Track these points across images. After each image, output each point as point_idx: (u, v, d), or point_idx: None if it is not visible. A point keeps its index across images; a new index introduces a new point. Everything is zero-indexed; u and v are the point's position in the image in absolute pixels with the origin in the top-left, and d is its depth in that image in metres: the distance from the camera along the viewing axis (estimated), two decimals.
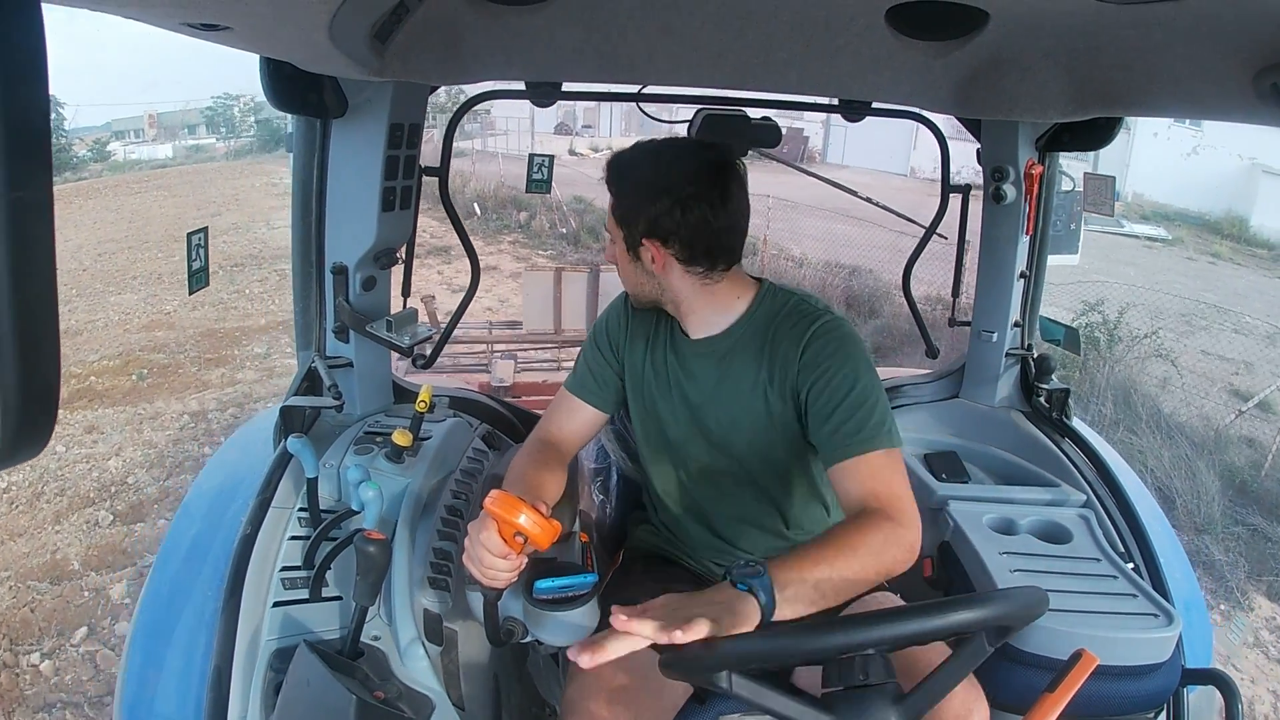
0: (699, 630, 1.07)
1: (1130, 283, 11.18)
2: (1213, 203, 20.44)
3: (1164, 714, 1.66)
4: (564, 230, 15.70)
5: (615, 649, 1.09)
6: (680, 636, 1.06)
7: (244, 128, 41.02)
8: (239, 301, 11.64)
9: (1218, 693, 1.63)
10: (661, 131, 1.92)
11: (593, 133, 32.53)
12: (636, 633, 1.09)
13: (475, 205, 15.74)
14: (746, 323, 1.62)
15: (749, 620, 1.14)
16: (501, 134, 25.65)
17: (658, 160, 1.56)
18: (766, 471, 1.67)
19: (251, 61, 1.53)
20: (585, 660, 1.09)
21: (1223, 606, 5.07)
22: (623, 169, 1.59)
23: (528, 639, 1.45)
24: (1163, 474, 6.29)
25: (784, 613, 1.18)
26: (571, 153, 25.37)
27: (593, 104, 30.20)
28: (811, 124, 25.49)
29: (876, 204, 3.17)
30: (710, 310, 1.62)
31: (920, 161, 23.05)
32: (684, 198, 1.50)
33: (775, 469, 1.67)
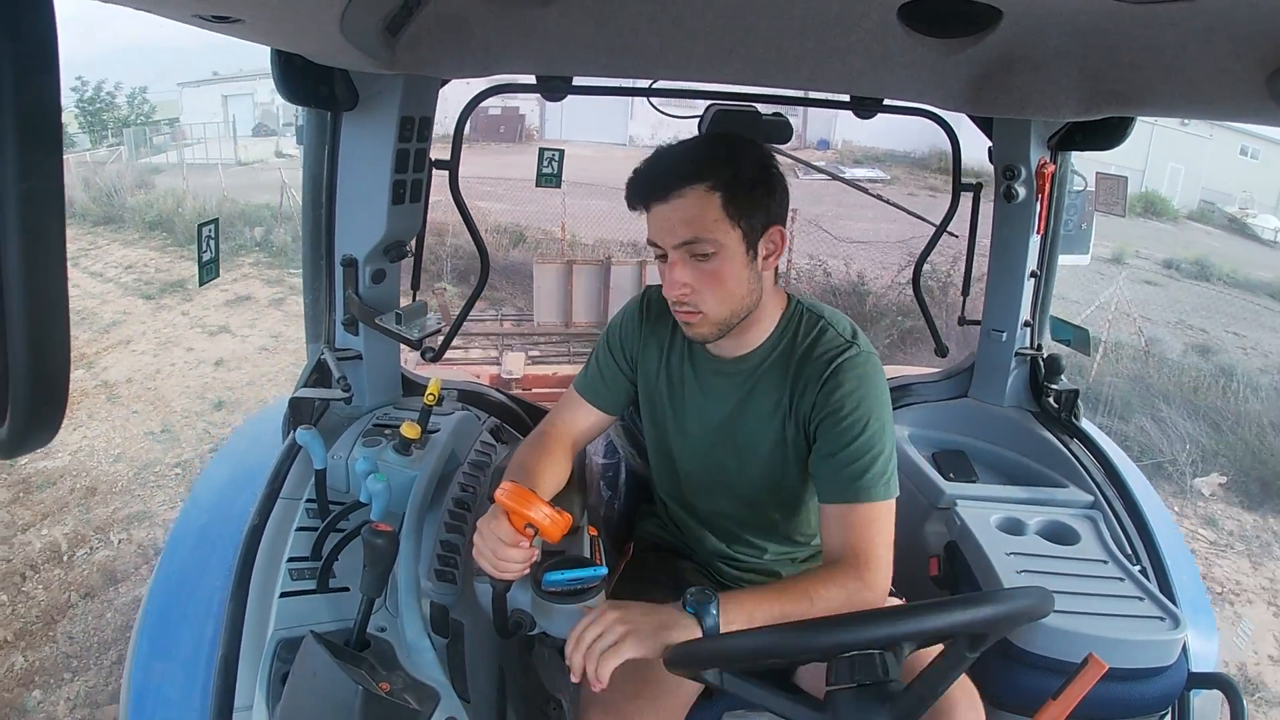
0: (613, 662, 1.24)
1: (873, 223, 12.64)
2: (916, 142, 22.53)
3: (1169, 717, 1.66)
4: None
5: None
6: (598, 673, 1.24)
7: None
8: None
9: (1223, 697, 1.63)
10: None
11: (293, 130, 28.70)
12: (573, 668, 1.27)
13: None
14: (773, 345, 1.57)
15: (687, 637, 1.25)
16: (196, 143, 23.25)
17: (753, 148, 1.48)
18: (773, 494, 1.66)
19: None
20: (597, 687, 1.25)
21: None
22: (734, 159, 1.43)
23: (535, 631, 1.45)
24: None
25: None
26: (279, 154, 23.82)
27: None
28: (527, 101, 24.75)
29: (887, 201, 3.15)
30: (762, 319, 1.56)
31: (638, 130, 23.31)
32: (783, 181, 1.49)
33: (783, 493, 1.66)
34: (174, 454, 6.59)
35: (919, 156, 22.99)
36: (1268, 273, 16.17)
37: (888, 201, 3.03)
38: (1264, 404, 8.82)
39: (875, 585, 1.39)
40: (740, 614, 1.29)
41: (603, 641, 1.24)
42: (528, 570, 1.38)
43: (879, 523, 1.44)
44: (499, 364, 6.45)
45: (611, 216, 13.14)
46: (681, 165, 1.43)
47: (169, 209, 15.65)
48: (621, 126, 24.24)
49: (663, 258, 1.47)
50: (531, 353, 7.97)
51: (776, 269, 1.55)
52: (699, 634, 1.24)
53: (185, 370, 8.44)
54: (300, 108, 1.74)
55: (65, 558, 5.00)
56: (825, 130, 25.69)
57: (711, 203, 1.40)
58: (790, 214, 1.63)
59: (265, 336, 9.80)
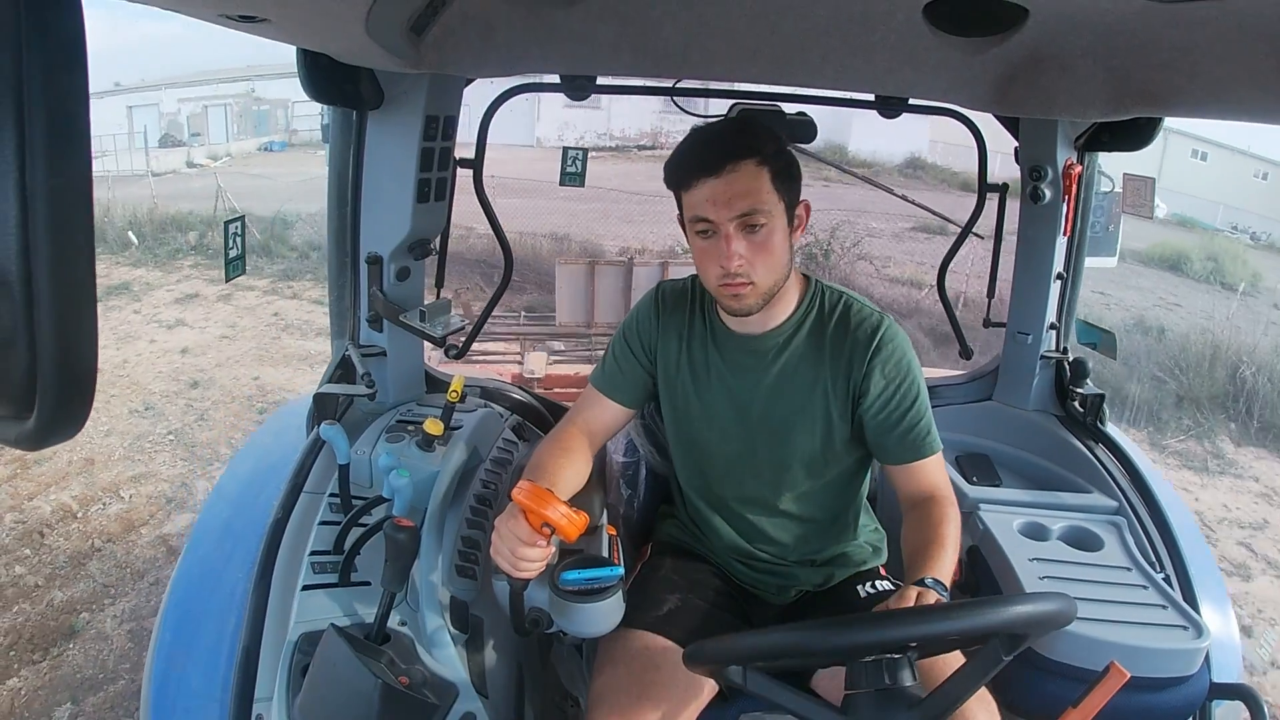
0: None
1: None
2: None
3: None
4: (251, 242, 13.50)
5: None
6: None
7: None
8: None
9: (1245, 708, 1.60)
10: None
11: (201, 140, 28.24)
12: None
13: (130, 234, 14.47)
14: (801, 319, 1.63)
15: None
16: (105, 154, 22.63)
17: (769, 128, 1.58)
18: (804, 469, 1.67)
19: None
20: None
21: None
22: (774, 136, 1.53)
23: (552, 629, 1.46)
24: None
25: None
26: (190, 164, 23.85)
27: (199, 110, 28.02)
28: None
29: (914, 203, 3.14)
30: (789, 291, 1.62)
31: (544, 132, 23.93)
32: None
33: (814, 467, 1.67)
34: (163, 426, 6.91)
35: (813, 148, 23.46)
36: (1140, 243, 18.03)
37: (913, 202, 3.02)
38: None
39: (955, 499, 1.61)
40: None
41: None
42: (545, 569, 1.39)
43: (942, 465, 1.64)
44: (521, 363, 6.47)
45: (527, 212, 13.95)
46: (734, 141, 1.49)
47: (96, 219, 15.78)
48: (528, 129, 24.55)
49: (706, 233, 1.50)
50: (556, 347, 7.99)
51: None
52: None
53: (153, 359, 8.91)
54: (327, 106, 1.76)
55: (79, 514, 5.34)
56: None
57: (763, 176, 1.47)
58: None
59: (222, 327, 10.31)
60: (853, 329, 1.60)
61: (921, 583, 1.35)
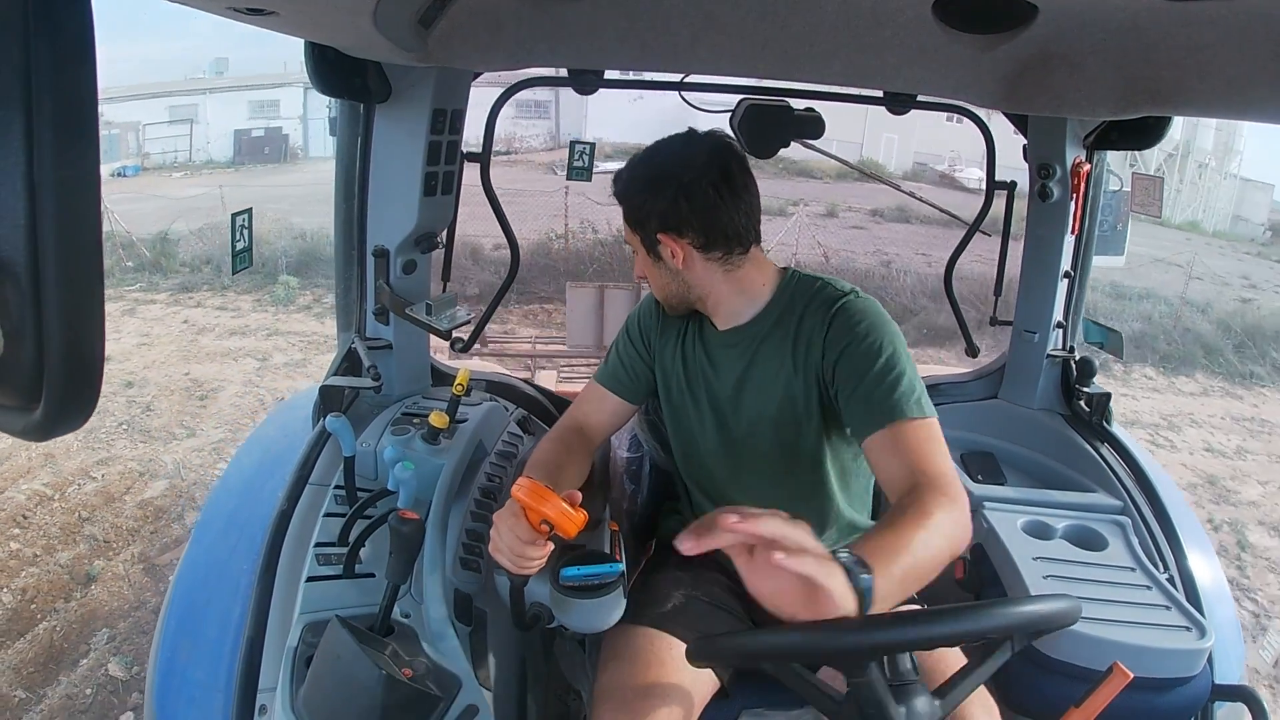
0: (801, 565, 1.03)
1: None
2: (657, 132, 25.03)
3: None
4: (140, 260, 13.63)
5: (715, 541, 1.10)
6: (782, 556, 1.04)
7: None
8: None
9: (1247, 710, 1.60)
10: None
11: None
12: (750, 530, 1.09)
13: None
14: (771, 310, 1.61)
15: (841, 610, 1.06)
16: None
17: (653, 156, 1.59)
18: (794, 466, 1.65)
19: None
20: (687, 548, 1.09)
21: None
22: (624, 175, 1.60)
23: (553, 624, 1.46)
24: None
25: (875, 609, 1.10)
26: None
27: None
28: (289, 120, 28.07)
29: (924, 201, 3.12)
30: (738, 298, 1.61)
31: None
32: (686, 184, 1.51)
33: (803, 463, 1.65)
34: (111, 420, 7.17)
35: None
36: (962, 212, 20.43)
37: (920, 199, 3.01)
38: (915, 281, 13.40)
39: (961, 500, 1.28)
40: (891, 588, 1.12)
41: (793, 537, 1.08)
42: (545, 564, 1.39)
43: (932, 440, 1.38)
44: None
45: None
46: (614, 183, 1.63)
47: None
48: None
49: None
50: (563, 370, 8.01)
51: (740, 250, 1.58)
52: (853, 610, 1.07)
53: None
54: (335, 99, 1.76)
55: (55, 497, 5.61)
56: (576, 129, 25.72)
57: (624, 215, 1.62)
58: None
59: (136, 336, 10.41)
60: (815, 308, 1.55)
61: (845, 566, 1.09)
